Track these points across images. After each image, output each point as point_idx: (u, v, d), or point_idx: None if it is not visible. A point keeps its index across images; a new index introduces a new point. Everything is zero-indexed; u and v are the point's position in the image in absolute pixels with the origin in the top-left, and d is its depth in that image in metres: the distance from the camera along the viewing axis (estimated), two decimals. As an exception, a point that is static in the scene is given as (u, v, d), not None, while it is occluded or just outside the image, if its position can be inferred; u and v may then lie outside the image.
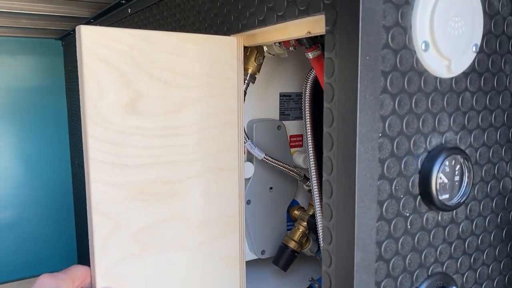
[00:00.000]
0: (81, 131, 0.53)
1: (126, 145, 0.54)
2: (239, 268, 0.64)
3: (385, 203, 0.45)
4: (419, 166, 0.47)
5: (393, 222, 0.46)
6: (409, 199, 0.47)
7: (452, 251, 0.51)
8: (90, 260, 0.52)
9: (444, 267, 0.51)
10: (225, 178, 0.62)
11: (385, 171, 0.44)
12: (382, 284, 0.46)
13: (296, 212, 0.81)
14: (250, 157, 0.76)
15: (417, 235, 0.48)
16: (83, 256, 1.55)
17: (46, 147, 1.74)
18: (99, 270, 0.52)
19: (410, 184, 0.47)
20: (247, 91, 0.68)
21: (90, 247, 0.52)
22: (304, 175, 0.78)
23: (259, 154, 0.72)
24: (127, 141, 0.54)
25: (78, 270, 0.52)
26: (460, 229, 0.52)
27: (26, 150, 1.69)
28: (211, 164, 0.61)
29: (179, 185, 0.58)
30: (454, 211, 0.51)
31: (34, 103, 1.70)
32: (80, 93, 0.52)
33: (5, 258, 1.73)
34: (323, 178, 0.47)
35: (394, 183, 0.45)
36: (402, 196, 0.46)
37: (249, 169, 0.75)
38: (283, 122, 0.79)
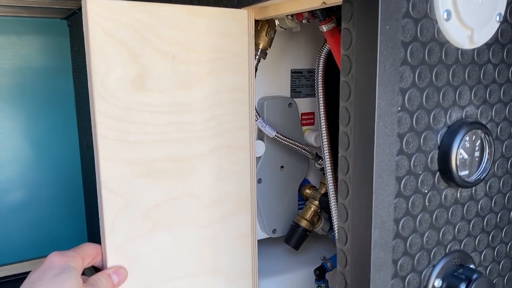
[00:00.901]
0: (88, 111, 0.52)
1: (134, 122, 0.53)
2: (251, 246, 0.63)
3: (404, 179, 0.43)
4: (439, 142, 0.45)
5: (411, 199, 0.45)
6: (428, 175, 0.45)
7: (471, 229, 0.50)
8: (101, 238, 0.52)
9: (462, 245, 0.50)
10: (236, 156, 0.61)
11: (404, 146, 0.43)
12: (399, 262, 0.45)
13: (307, 191, 0.80)
14: (260, 136, 0.74)
15: (435, 213, 0.47)
16: (93, 237, 1.56)
17: (53, 128, 1.73)
18: (110, 248, 0.52)
19: (429, 160, 0.45)
20: (257, 68, 0.66)
21: (100, 224, 0.52)
22: (316, 153, 0.76)
23: (270, 132, 0.71)
24: (135, 118, 0.53)
25: (89, 248, 0.52)
26: (479, 206, 0.50)
27: (34, 132, 1.68)
28: (222, 142, 0.59)
29: (189, 163, 0.57)
30: (474, 187, 0.49)
31: (40, 84, 1.68)
32: (88, 68, 0.51)
33: (15, 238, 1.75)
34: (339, 155, 0.45)
35: (413, 158, 0.44)
36: (420, 172, 0.45)
37: (260, 148, 0.74)
38: (294, 99, 0.77)
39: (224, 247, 0.61)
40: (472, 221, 0.50)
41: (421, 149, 0.44)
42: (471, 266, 0.50)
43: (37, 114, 1.59)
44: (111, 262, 0.52)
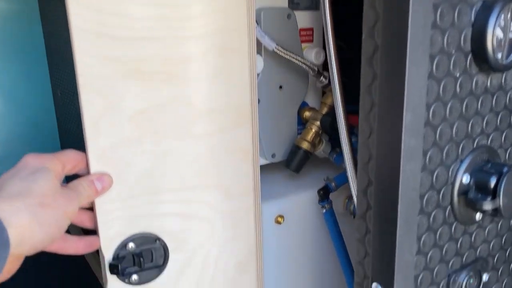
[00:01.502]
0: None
1: (116, 14, 0.46)
2: (252, 162, 0.58)
3: (436, 58, 0.39)
4: (473, 18, 0.40)
5: (443, 82, 0.40)
6: (461, 56, 0.41)
7: (498, 123, 0.47)
8: (85, 142, 0.46)
9: (489, 140, 0.46)
10: (233, 60, 0.55)
11: (438, 18, 0.38)
12: (429, 153, 0.41)
13: (307, 113, 0.75)
14: (258, 50, 0.68)
15: (466, 101, 0.43)
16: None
17: (24, 78, 1.61)
18: (92, 152, 0.47)
19: (462, 38, 0.40)
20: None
21: (83, 128, 0.46)
22: (318, 70, 0.71)
23: (269, 44, 0.65)
24: (117, 9, 0.46)
25: (70, 153, 0.46)
26: (508, 98, 0.47)
27: (2, 82, 1.56)
28: (217, 43, 0.53)
29: (180, 65, 0.51)
30: (504, 75, 0.45)
31: (5, 30, 1.54)
32: None
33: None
34: (363, 37, 0.40)
35: (447, 35, 0.39)
36: (453, 51, 0.40)
37: (259, 63, 0.67)
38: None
39: (223, 161, 0.56)
40: (500, 114, 0.46)
41: (455, 24, 0.39)
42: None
43: (4, 62, 1.47)
44: (94, 167, 0.47)
